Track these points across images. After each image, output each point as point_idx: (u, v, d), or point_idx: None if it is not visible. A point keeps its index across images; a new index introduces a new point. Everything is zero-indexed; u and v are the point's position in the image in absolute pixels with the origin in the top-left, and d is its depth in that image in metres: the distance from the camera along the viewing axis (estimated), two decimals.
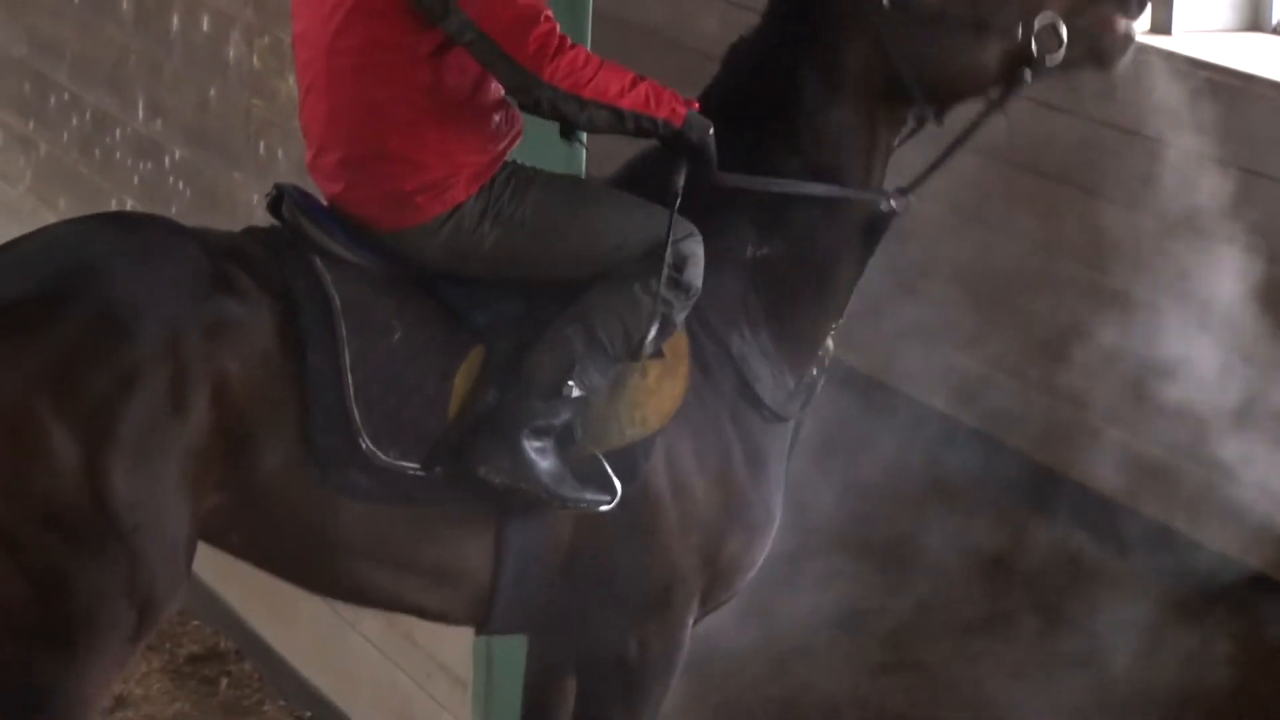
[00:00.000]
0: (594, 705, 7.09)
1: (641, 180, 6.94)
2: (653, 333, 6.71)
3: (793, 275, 6.99)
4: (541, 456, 6.63)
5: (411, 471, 6.66)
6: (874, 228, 7.03)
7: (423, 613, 7.03)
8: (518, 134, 6.92)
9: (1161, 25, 10.97)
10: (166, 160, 10.14)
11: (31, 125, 11.54)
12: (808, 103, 6.94)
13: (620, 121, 6.73)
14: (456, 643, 7.90)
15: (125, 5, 10.47)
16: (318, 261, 6.74)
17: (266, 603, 9.14)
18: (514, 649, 7.73)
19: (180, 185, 10.05)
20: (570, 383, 6.65)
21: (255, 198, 9.16)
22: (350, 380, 6.64)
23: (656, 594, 6.94)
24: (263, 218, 8.66)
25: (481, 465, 6.59)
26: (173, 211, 9.80)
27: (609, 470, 6.68)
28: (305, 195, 6.93)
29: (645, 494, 6.80)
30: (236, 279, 6.64)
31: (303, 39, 6.92)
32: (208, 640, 9.63)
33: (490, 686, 7.93)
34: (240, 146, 9.47)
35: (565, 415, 6.66)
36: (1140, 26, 7.14)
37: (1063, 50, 6.87)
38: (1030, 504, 11.37)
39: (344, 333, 6.65)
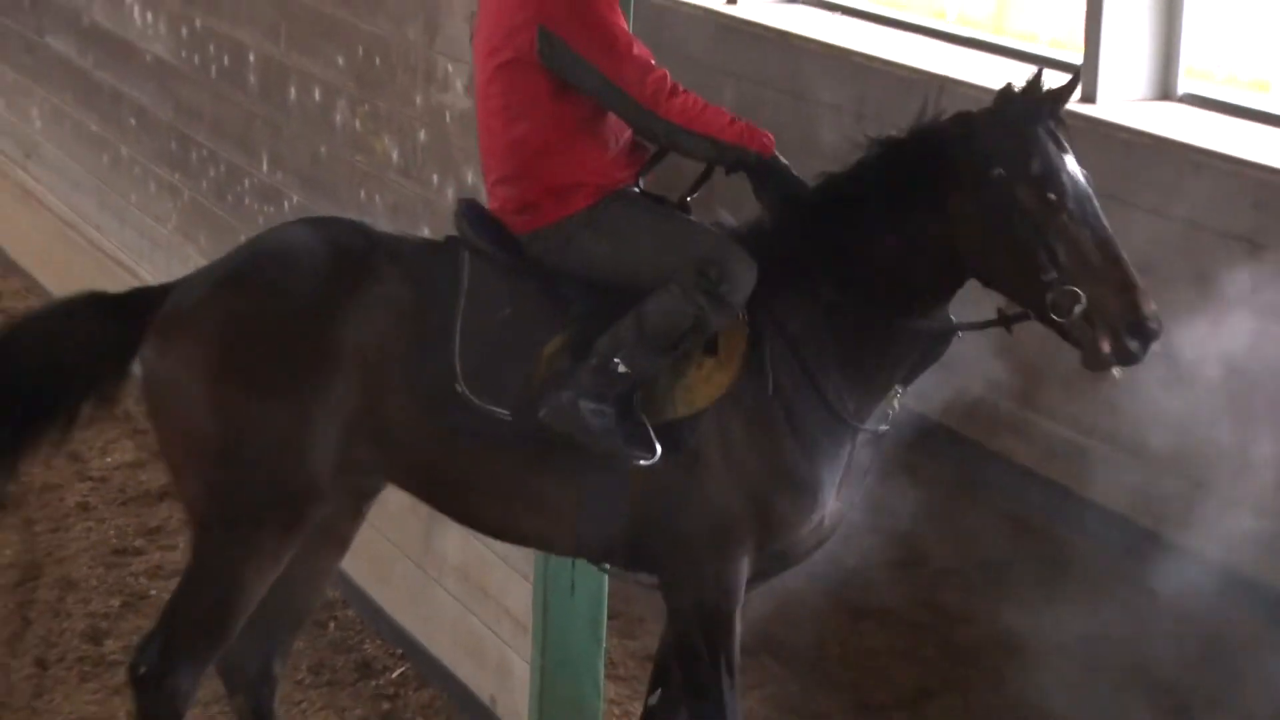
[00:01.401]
0: (683, 643, 7.03)
1: (759, 232, 6.97)
2: (681, 339, 6.75)
3: (859, 325, 6.88)
4: (595, 416, 6.69)
5: (501, 416, 6.79)
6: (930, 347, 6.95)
7: (525, 540, 7.22)
8: (640, 162, 7.04)
9: (1089, 95, 10.71)
10: (285, 204, 10.09)
11: (177, 176, 11.41)
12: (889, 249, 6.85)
13: (721, 152, 6.86)
14: (520, 595, 7.92)
15: (252, 78, 10.44)
16: (465, 255, 6.95)
17: (367, 561, 9.05)
18: (566, 599, 7.80)
19: None
20: (617, 361, 6.70)
21: None
22: (458, 339, 6.83)
23: (713, 538, 6.89)
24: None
25: (546, 415, 6.71)
26: None
27: (653, 436, 6.68)
28: (473, 206, 7.11)
29: (699, 457, 6.79)
30: (381, 268, 6.94)
31: (476, 93, 7.14)
32: None
33: (546, 630, 7.85)
34: (345, 193, 9.43)
35: (618, 387, 6.72)
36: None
37: (1068, 322, 6.64)
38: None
39: (463, 305, 6.85)
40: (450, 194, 8.43)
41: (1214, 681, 8.68)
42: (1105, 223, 6.70)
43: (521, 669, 8.00)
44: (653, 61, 6.89)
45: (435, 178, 8.69)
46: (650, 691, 7.38)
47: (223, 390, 6.95)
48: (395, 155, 9.03)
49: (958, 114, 6.82)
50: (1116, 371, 6.72)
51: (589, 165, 6.96)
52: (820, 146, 12.06)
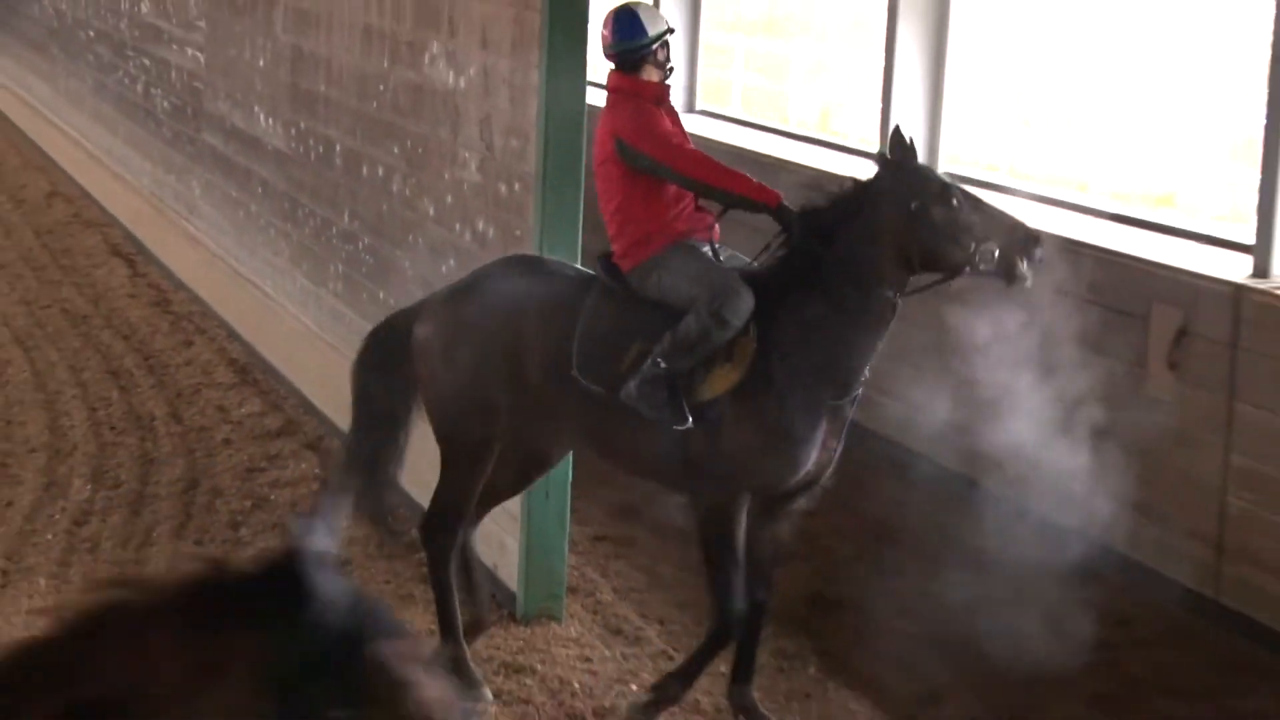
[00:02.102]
0: (702, 536, 7.01)
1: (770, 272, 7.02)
2: (696, 345, 6.85)
3: (828, 328, 6.85)
4: (651, 397, 6.83)
5: (597, 390, 6.95)
6: (882, 317, 6.85)
7: (622, 468, 7.40)
8: (704, 219, 7.14)
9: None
10: (359, 244, 10.02)
11: (288, 226, 11.31)
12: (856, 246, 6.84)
13: (737, 202, 7.05)
14: (514, 498, 7.77)
15: (338, 161, 10.34)
16: (595, 286, 7.12)
17: (411, 475, 9.28)
18: (542, 501, 7.79)
19: (368, 258, 9.93)
20: (660, 361, 6.83)
21: (407, 266, 9.54)
22: (576, 339, 6.98)
23: (728, 477, 6.91)
24: (413, 276, 8.85)
25: (623, 395, 6.87)
26: (361, 273, 10.20)
27: (687, 411, 6.81)
28: (606, 257, 7.17)
29: (721, 427, 6.85)
30: (541, 293, 7.13)
31: (597, 179, 7.28)
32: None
33: (529, 521, 7.81)
34: (399, 237, 9.39)
35: (663, 378, 6.83)
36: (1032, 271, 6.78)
37: (992, 266, 6.74)
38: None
39: (584, 314, 7.00)
40: (468, 237, 8.51)
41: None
42: (980, 197, 6.92)
43: (513, 546, 7.97)
44: (688, 144, 7.14)
45: (458, 226, 8.71)
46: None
47: (441, 366, 7.23)
48: (431, 211, 9.03)
49: (876, 175, 6.95)
50: (1029, 282, 6.81)
51: (656, 224, 7.07)
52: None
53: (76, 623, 2.65)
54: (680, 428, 6.80)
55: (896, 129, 7.03)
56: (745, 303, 6.80)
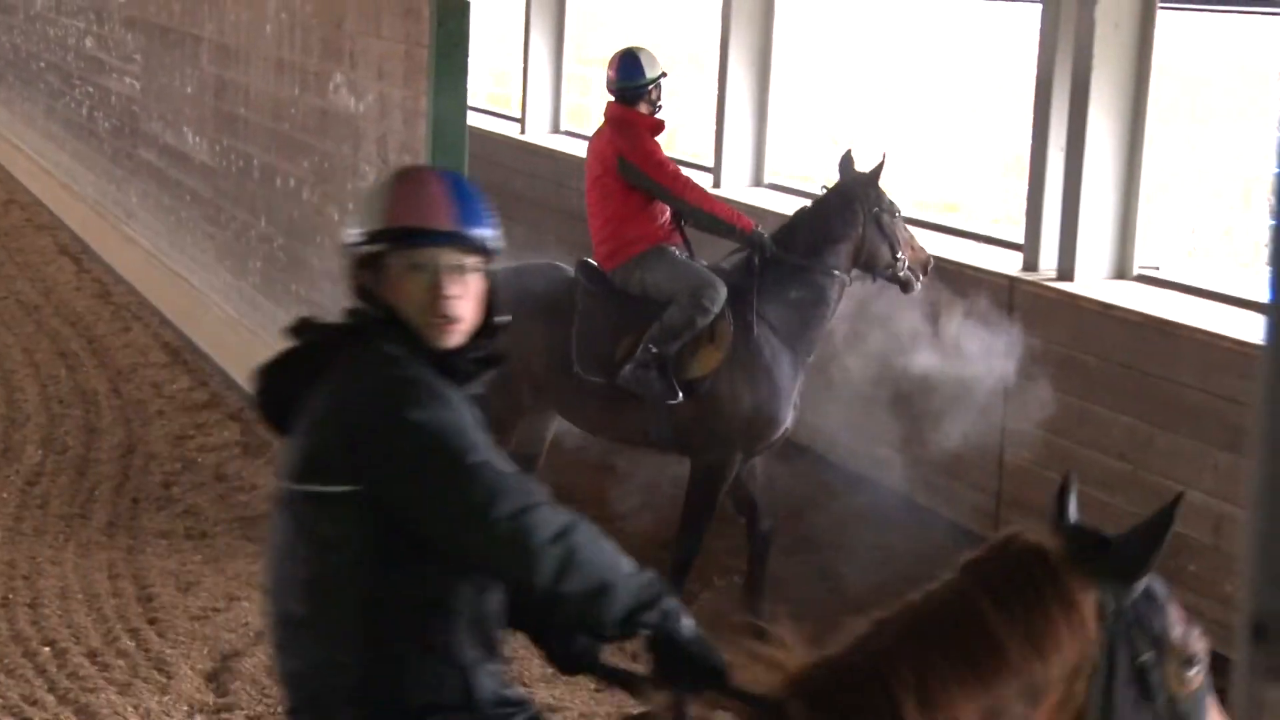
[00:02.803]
0: (698, 485, 7.04)
1: (734, 269, 7.07)
2: (682, 329, 6.87)
3: (803, 306, 7.04)
4: (643, 373, 6.81)
5: (598, 381, 6.87)
6: (835, 297, 7.12)
7: (620, 439, 7.23)
8: (669, 230, 7.12)
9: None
10: (274, 244, 9.90)
11: (214, 229, 11.17)
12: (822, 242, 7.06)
13: (717, 224, 7.05)
14: None
15: (256, 174, 10.19)
16: (579, 289, 6.99)
17: None
18: None
19: (282, 256, 9.80)
20: (651, 347, 6.81)
21: (315, 263, 9.39)
22: (574, 338, 6.87)
23: (724, 437, 6.95)
24: (321, 272, 8.74)
25: (620, 379, 6.81)
26: (276, 268, 10.00)
27: (678, 388, 6.82)
28: (585, 262, 7.14)
29: (715, 396, 6.89)
30: (536, 296, 6.93)
31: (588, 189, 7.20)
32: None
33: None
34: (309, 239, 9.27)
35: (655, 360, 6.82)
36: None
37: (900, 275, 7.12)
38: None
39: (577, 316, 6.87)
40: None
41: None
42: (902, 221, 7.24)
43: None
44: (682, 171, 7.13)
45: None
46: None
47: None
48: (336, 216, 8.90)
49: (848, 183, 7.16)
50: (919, 287, 7.19)
51: (641, 231, 7.04)
52: (571, 208, 12.07)
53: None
54: (672, 402, 6.81)
55: (848, 152, 7.22)
56: (720, 292, 6.88)
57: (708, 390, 6.89)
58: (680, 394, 6.83)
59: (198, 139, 11.50)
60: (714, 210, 7.08)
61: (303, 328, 3.29)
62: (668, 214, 7.16)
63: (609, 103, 7.32)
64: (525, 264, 7.31)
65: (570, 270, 7.18)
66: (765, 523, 7.11)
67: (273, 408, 3.22)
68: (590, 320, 6.94)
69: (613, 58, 7.37)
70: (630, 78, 7.26)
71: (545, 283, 7.03)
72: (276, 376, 3.22)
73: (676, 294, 6.88)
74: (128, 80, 13.44)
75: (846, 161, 7.20)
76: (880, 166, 7.17)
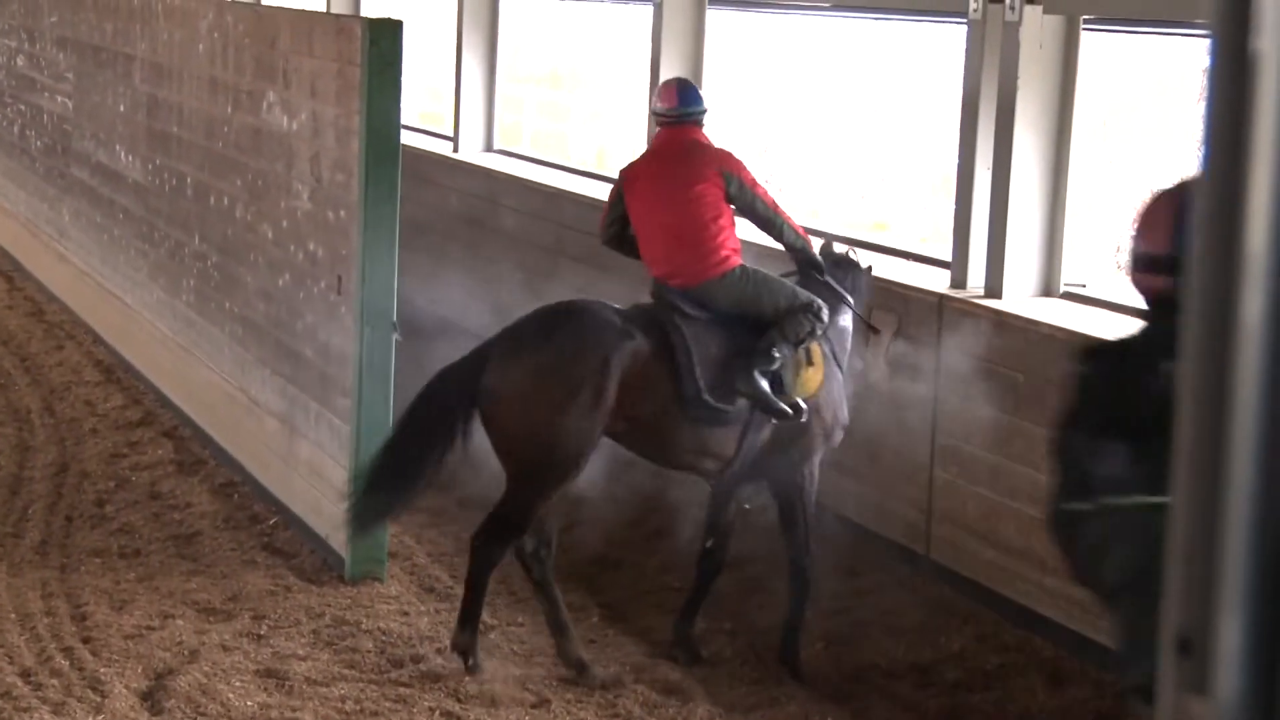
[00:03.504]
0: (788, 510, 7.05)
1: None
2: (807, 337, 6.91)
3: (840, 331, 7.25)
4: (769, 394, 6.78)
5: (719, 406, 6.77)
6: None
7: (699, 473, 7.09)
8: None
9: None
10: (209, 262, 9.83)
11: (146, 247, 11.06)
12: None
13: (801, 242, 7.11)
14: (340, 477, 7.64)
15: (189, 192, 10.13)
16: (675, 315, 6.85)
17: (255, 459, 8.87)
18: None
19: (216, 274, 9.73)
20: (775, 352, 6.79)
21: (249, 280, 9.35)
22: (697, 368, 6.75)
23: (808, 454, 7.02)
24: (255, 290, 8.69)
25: (740, 389, 6.75)
26: (210, 286, 9.96)
27: (801, 403, 6.88)
28: (664, 286, 6.97)
29: (819, 411, 6.97)
30: (632, 328, 6.72)
31: (654, 205, 7.00)
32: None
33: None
34: (243, 256, 9.21)
35: (774, 367, 6.80)
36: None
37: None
38: None
39: (690, 346, 6.77)
40: (301, 257, 8.34)
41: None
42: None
43: (341, 518, 7.79)
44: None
45: (292, 247, 8.54)
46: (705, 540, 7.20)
47: (531, 406, 6.61)
48: (270, 234, 8.86)
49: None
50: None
51: (735, 245, 6.99)
52: (505, 226, 12.05)
53: None
54: (801, 419, 6.87)
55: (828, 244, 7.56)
56: (824, 306, 7.02)
57: (812, 408, 6.97)
58: (805, 409, 6.90)
59: (131, 157, 11.41)
60: (798, 229, 7.18)
61: None
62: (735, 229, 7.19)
63: (671, 128, 7.16)
64: (561, 303, 7.09)
65: (617, 309, 6.97)
66: (726, 550, 7.16)
67: None
68: (705, 346, 6.85)
69: (666, 86, 7.27)
70: (696, 103, 7.17)
71: (629, 320, 6.83)
72: None
73: (774, 306, 6.89)
74: (60, 99, 13.32)
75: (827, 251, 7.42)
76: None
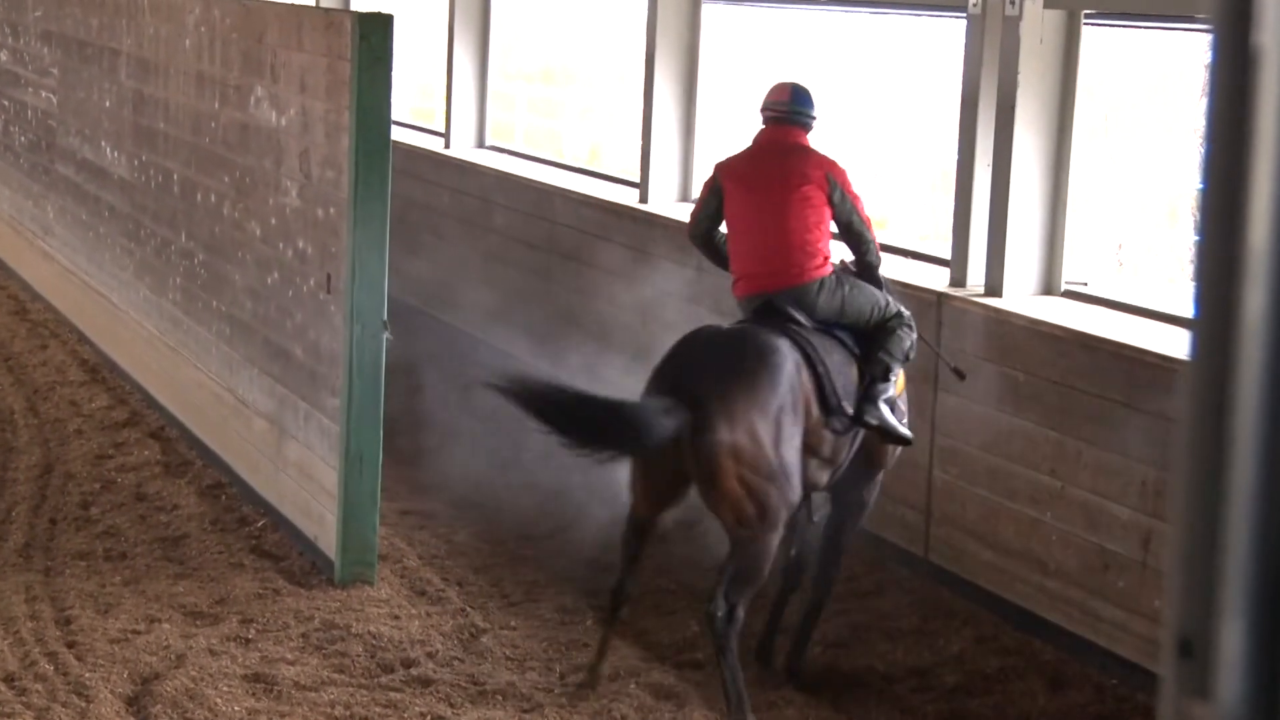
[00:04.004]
0: (845, 522, 6.98)
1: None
2: (911, 350, 6.88)
3: None
4: (889, 416, 6.76)
5: (849, 416, 6.70)
6: None
7: (814, 487, 6.78)
8: None
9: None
10: (195, 260, 9.82)
11: (132, 245, 11.06)
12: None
13: (875, 261, 7.03)
14: (330, 478, 7.72)
15: (176, 189, 10.12)
16: (794, 326, 6.73)
17: (244, 460, 8.86)
18: (357, 479, 7.59)
19: (203, 272, 9.72)
20: (891, 375, 6.79)
21: (237, 279, 9.39)
22: (837, 379, 6.68)
23: (879, 468, 7.00)
24: (243, 288, 8.69)
25: (869, 421, 6.71)
26: (197, 285, 9.96)
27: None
28: (771, 303, 6.80)
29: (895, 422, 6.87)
30: (789, 345, 6.61)
31: (758, 204, 6.88)
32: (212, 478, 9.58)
33: (345, 497, 7.64)
34: (230, 254, 9.20)
35: (892, 391, 6.79)
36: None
37: None
38: None
39: (823, 358, 6.68)
40: (290, 254, 8.35)
41: None
42: None
43: (330, 520, 7.81)
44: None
45: (281, 244, 8.53)
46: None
47: (764, 449, 6.43)
48: (258, 232, 8.85)
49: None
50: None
51: (827, 250, 6.91)
52: (496, 223, 12.05)
53: None
54: (910, 438, 6.88)
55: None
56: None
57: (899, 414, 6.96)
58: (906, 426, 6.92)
59: (116, 154, 11.40)
60: (878, 249, 7.12)
61: None
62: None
63: (776, 126, 7.07)
64: (736, 336, 6.75)
65: (742, 325, 6.84)
66: (807, 563, 7.13)
67: None
68: (829, 354, 6.77)
69: (780, 85, 7.17)
70: (808, 105, 7.09)
71: (766, 334, 6.68)
72: None
73: (870, 314, 6.85)
74: (44, 94, 13.32)
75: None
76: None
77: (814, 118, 7.13)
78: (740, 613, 6.37)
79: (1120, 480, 7.02)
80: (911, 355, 6.92)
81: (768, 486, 6.40)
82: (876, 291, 6.98)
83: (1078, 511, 7.23)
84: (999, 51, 8.03)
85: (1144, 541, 6.88)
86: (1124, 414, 7.03)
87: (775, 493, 6.42)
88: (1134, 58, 8.25)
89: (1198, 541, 1.52)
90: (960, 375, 7.45)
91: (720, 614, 6.34)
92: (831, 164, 6.97)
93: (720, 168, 7.15)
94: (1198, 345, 1.54)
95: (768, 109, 7.14)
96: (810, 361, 6.66)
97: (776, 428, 6.43)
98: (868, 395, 6.75)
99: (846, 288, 6.89)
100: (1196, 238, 1.60)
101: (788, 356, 6.57)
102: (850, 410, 6.71)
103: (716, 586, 6.41)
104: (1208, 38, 1.58)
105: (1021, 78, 7.91)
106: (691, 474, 6.40)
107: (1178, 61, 7.99)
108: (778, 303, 6.81)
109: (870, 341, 6.86)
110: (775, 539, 6.47)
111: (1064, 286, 8.12)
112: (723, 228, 7.15)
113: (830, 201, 6.90)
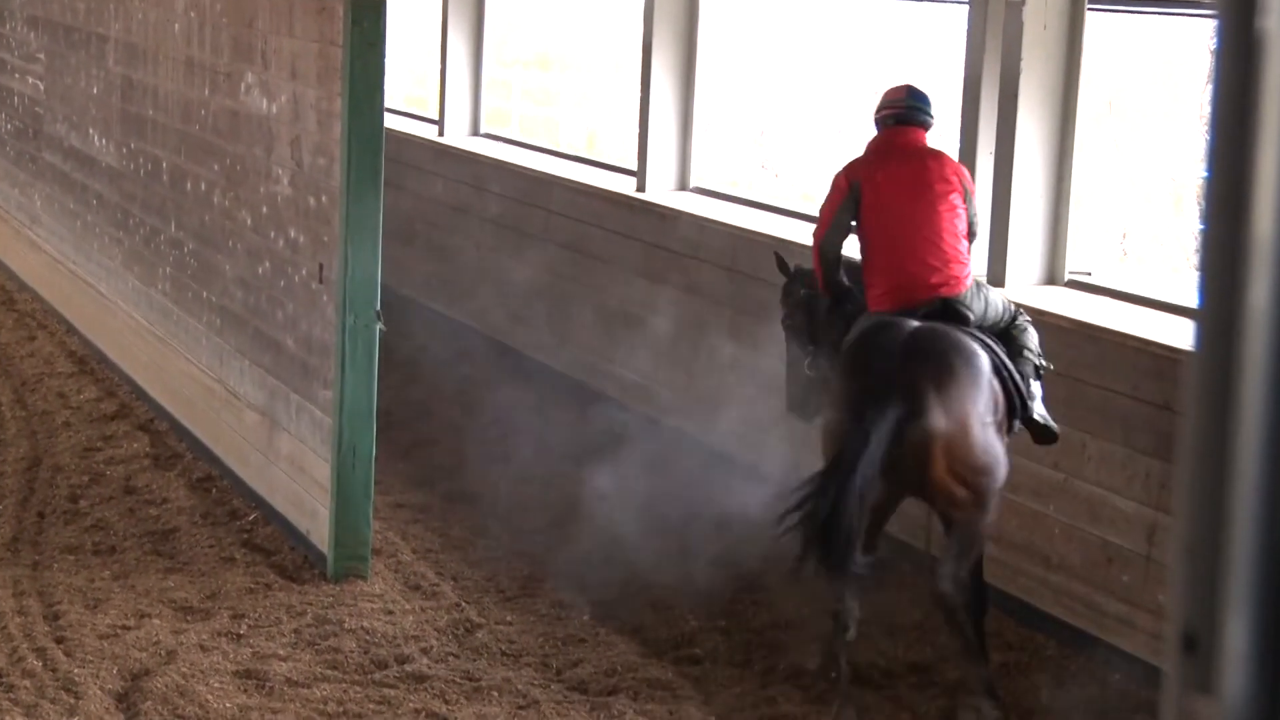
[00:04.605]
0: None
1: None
2: (1040, 349, 6.80)
3: None
4: (1043, 406, 6.72)
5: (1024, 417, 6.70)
6: None
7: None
8: None
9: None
10: (184, 249, 9.83)
11: (120, 234, 11.09)
12: None
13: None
14: (323, 471, 7.76)
15: (165, 177, 10.13)
16: (976, 331, 6.67)
17: (234, 451, 8.87)
18: (350, 473, 7.60)
19: (193, 262, 9.75)
20: (1041, 371, 6.73)
21: (227, 269, 9.38)
22: (1017, 381, 6.65)
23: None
24: (233, 278, 8.66)
25: (1035, 414, 6.66)
26: (186, 275, 9.97)
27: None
28: (944, 308, 6.74)
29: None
30: (979, 344, 6.57)
31: (910, 210, 6.77)
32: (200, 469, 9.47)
33: (338, 491, 7.64)
34: (221, 244, 9.21)
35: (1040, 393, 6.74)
36: None
37: None
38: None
39: (1004, 361, 6.66)
40: (281, 244, 8.36)
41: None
42: None
43: (324, 514, 7.81)
44: None
45: (272, 233, 8.55)
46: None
47: (989, 434, 6.47)
48: (249, 221, 8.86)
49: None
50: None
51: (967, 258, 6.84)
52: (490, 212, 12.05)
53: None
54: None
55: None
56: None
57: None
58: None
59: (104, 141, 11.41)
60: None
61: None
62: None
63: (901, 126, 6.93)
64: (925, 333, 6.66)
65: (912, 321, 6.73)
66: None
67: None
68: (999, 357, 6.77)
69: (896, 86, 7.05)
70: (927, 104, 6.99)
71: (959, 333, 6.63)
72: None
73: (1003, 315, 6.81)
74: (31, 80, 13.32)
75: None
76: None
77: (933, 116, 7.02)
78: (965, 578, 6.50)
79: (1124, 473, 7.01)
80: (1040, 353, 6.88)
81: (981, 478, 6.45)
82: (994, 293, 6.97)
83: (1081, 504, 7.22)
84: (1002, 37, 8.03)
85: (1148, 535, 6.87)
86: (1128, 405, 7.03)
87: (987, 481, 6.47)
88: (1138, 44, 8.25)
89: (1202, 535, 1.52)
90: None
91: (950, 589, 6.45)
92: (963, 170, 6.99)
93: (853, 173, 6.93)
94: (1202, 336, 1.54)
95: (887, 108, 6.98)
96: (997, 365, 6.65)
97: (985, 422, 6.47)
98: (1030, 392, 6.73)
99: (986, 292, 6.89)
100: (1201, 226, 1.60)
101: (984, 356, 6.57)
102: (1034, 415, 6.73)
103: (938, 565, 6.53)
104: (1213, 23, 1.58)
105: (1024, 64, 7.91)
106: (904, 464, 6.40)
107: (1182, 47, 7.99)
108: (953, 305, 6.74)
109: (1006, 341, 6.80)
110: (990, 516, 6.55)
111: (1067, 276, 8.12)
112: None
113: (966, 204, 6.88)
